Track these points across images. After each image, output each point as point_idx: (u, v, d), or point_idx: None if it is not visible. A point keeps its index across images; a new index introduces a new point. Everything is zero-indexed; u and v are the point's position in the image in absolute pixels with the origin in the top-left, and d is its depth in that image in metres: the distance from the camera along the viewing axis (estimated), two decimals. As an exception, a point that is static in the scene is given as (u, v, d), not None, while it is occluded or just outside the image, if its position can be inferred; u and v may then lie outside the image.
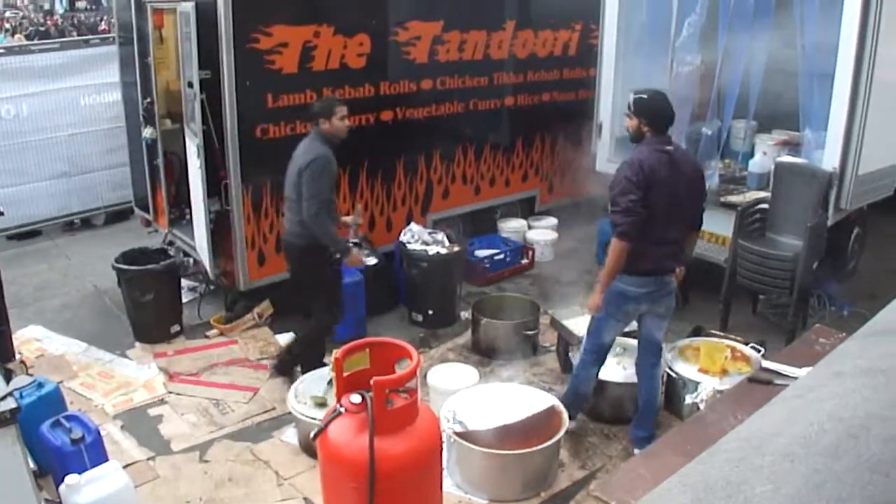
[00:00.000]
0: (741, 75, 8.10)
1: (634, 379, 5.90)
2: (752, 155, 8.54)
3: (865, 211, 8.18)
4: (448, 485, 5.11)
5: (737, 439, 2.13)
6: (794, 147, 8.30)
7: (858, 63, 6.88)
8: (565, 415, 5.55)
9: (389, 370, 4.12)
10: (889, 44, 7.03)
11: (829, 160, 7.21)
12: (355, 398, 3.88)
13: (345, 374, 4.02)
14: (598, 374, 5.80)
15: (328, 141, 6.32)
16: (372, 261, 7.64)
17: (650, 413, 5.76)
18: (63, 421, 5.06)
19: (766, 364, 4.83)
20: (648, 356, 5.71)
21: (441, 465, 4.43)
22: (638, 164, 5.12)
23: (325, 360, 6.43)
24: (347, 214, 7.21)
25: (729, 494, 1.78)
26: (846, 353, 2.67)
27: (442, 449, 4.42)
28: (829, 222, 7.32)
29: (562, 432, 5.37)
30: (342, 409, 3.93)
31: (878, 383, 2.23)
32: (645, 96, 5.32)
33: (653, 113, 5.25)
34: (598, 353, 5.70)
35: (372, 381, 3.82)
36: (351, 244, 6.65)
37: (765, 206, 7.70)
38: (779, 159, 7.91)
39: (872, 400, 2.13)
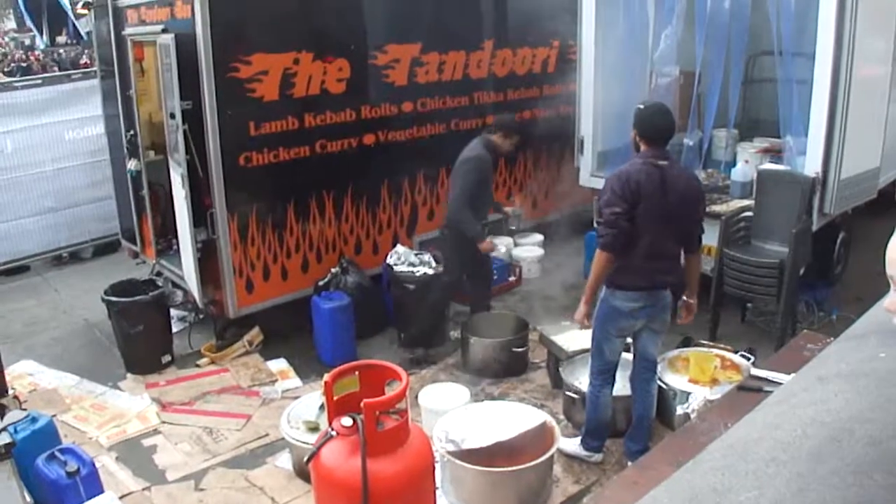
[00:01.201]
0: (720, 85, 8.16)
1: (626, 392, 5.91)
2: (734, 164, 8.57)
3: (850, 215, 8.22)
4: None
5: (721, 447, 2.16)
6: (775, 154, 8.34)
7: (836, 67, 6.92)
8: (557, 430, 5.54)
9: (379, 392, 4.14)
10: (866, 47, 7.09)
11: (812, 165, 7.25)
12: (346, 421, 3.90)
13: (335, 398, 4.04)
14: (611, 394, 5.72)
15: (490, 149, 7.31)
16: (501, 249, 7.72)
17: (644, 427, 5.76)
18: (58, 454, 5.06)
19: (755, 372, 4.86)
20: (643, 371, 5.69)
21: (435, 484, 4.44)
22: (625, 176, 5.13)
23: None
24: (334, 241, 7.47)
25: (715, 502, 1.81)
26: (828, 357, 2.70)
27: (435, 468, 4.43)
28: (814, 227, 7.34)
29: (554, 448, 5.36)
30: (333, 433, 3.95)
31: (859, 386, 2.26)
32: (642, 107, 5.39)
33: (645, 125, 5.27)
34: (606, 374, 5.64)
35: (362, 404, 3.84)
36: (485, 231, 7.51)
37: (749, 214, 7.73)
38: (761, 167, 7.94)
39: (855, 403, 2.16)
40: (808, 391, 2.35)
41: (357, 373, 4.22)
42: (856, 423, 2.05)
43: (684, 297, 5.59)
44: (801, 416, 2.15)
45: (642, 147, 5.26)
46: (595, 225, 8.51)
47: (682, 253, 5.45)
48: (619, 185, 5.12)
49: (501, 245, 7.41)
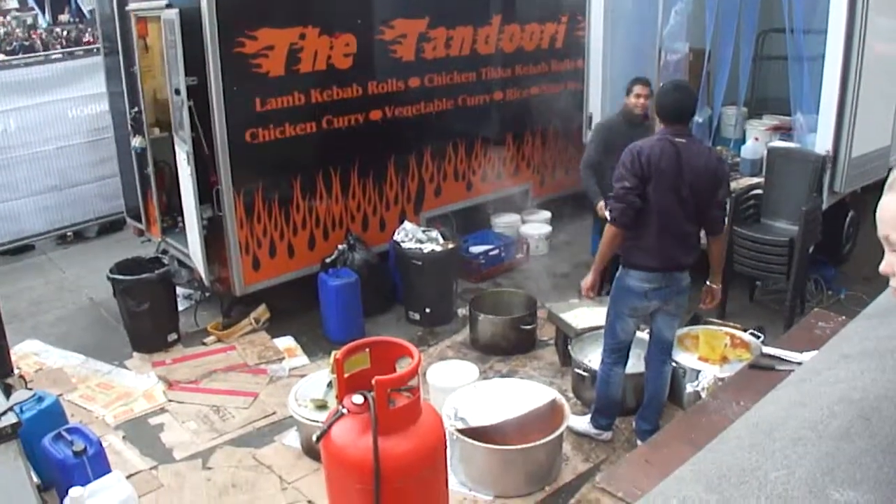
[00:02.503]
0: (730, 62, 8.10)
1: (637, 370, 5.89)
2: (743, 141, 8.55)
3: (860, 194, 8.17)
4: (452, 482, 5.08)
5: (746, 425, 2.11)
6: (785, 132, 8.31)
7: (848, 44, 6.84)
8: (567, 408, 5.52)
9: (390, 369, 4.09)
10: (879, 24, 7.02)
11: (822, 143, 7.19)
12: (357, 399, 3.85)
13: (346, 376, 4.00)
14: (623, 373, 5.68)
15: (626, 114, 7.17)
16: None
17: (656, 407, 5.71)
18: (64, 434, 5.04)
19: (767, 350, 4.81)
20: (658, 353, 5.63)
21: (446, 462, 4.40)
22: (637, 152, 5.06)
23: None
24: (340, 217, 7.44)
25: (742, 481, 1.76)
26: (851, 335, 2.65)
27: (446, 446, 4.39)
28: (824, 206, 7.30)
29: (564, 426, 5.35)
30: (344, 411, 3.90)
31: (885, 365, 2.21)
32: (663, 85, 5.36)
33: (661, 103, 5.22)
34: (619, 353, 5.59)
35: (374, 381, 3.79)
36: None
37: (758, 191, 7.69)
38: (771, 144, 7.90)
39: (881, 381, 2.11)
40: (833, 369, 2.30)
41: (368, 349, 4.17)
42: (884, 401, 2.00)
43: (707, 282, 5.50)
44: (828, 395, 2.11)
45: (661, 125, 5.20)
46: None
47: (704, 235, 5.37)
48: (630, 160, 5.06)
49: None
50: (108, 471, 4.97)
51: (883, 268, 1.75)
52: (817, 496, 1.67)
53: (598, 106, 8.84)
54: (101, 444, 5.11)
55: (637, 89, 6.95)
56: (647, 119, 6.92)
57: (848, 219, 8.43)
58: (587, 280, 5.48)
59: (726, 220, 5.49)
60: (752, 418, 2.18)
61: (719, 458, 1.93)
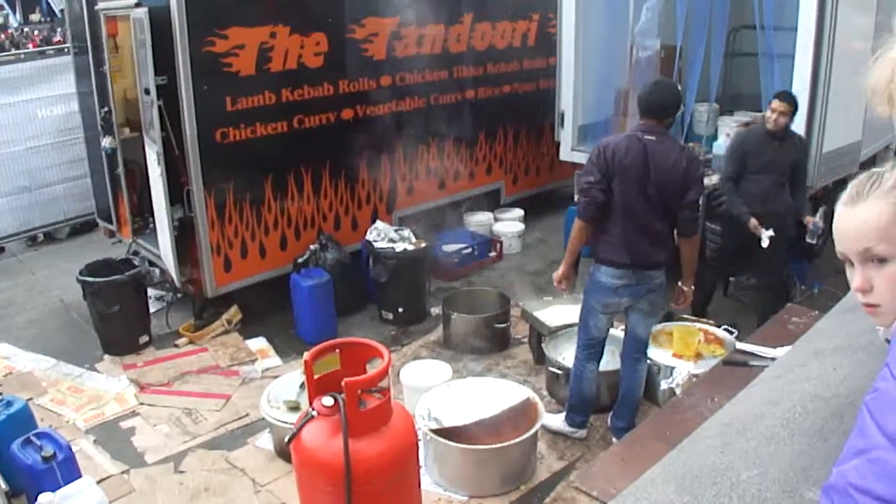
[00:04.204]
0: (702, 58, 8.12)
1: (611, 367, 5.89)
2: (715, 137, 8.56)
3: (831, 188, 8.19)
4: (426, 483, 5.07)
5: (718, 424, 2.10)
6: (757, 128, 8.32)
7: (818, 40, 6.90)
8: (541, 406, 5.51)
9: (361, 370, 4.07)
10: (848, 21, 7.06)
11: (794, 139, 7.22)
12: (327, 401, 3.82)
13: (315, 377, 3.97)
14: (597, 370, 5.67)
15: (761, 123, 6.97)
16: (768, 234, 7.24)
17: (630, 404, 5.70)
18: (34, 439, 4.97)
19: (741, 346, 4.83)
20: (633, 351, 5.63)
21: (418, 463, 4.38)
22: (603, 146, 5.08)
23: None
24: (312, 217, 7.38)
25: (715, 481, 1.75)
26: (823, 331, 2.65)
27: (418, 447, 4.37)
28: (798, 201, 7.33)
29: (538, 424, 5.34)
30: (314, 413, 3.87)
31: (858, 360, 2.21)
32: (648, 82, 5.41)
33: (639, 97, 5.23)
34: (592, 350, 5.59)
35: (343, 383, 3.77)
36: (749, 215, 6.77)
37: (731, 187, 7.70)
38: (743, 141, 7.91)
39: (854, 377, 2.10)
40: (805, 366, 2.30)
41: (337, 351, 4.14)
42: (857, 397, 1.99)
43: (678, 284, 5.49)
44: (801, 392, 2.10)
45: (640, 120, 5.20)
46: (575, 197, 8.50)
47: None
48: (595, 155, 5.11)
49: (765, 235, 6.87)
50: (79, 476, 4.92)
51: (858, 285, 1.72)
52: (791, 496, 1.66)
53: (570, 103, 8.84)
54: (71, 449, 5.04)
55: (773, 104, 6.66)
56: (794, 136, 6.81)
57: (821, 213, 8.46)
58: (558, 272, 5.49)
59: (695, 222, 5.41)
60: (724, 417, 2.17)
61: (691, 459, 1.92)
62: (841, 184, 7.62)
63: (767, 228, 6.56)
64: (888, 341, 1.69)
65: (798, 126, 7.14)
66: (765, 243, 6.51)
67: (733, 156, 6.89)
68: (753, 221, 6.68)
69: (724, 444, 1.94)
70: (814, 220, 7.04)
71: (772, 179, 6.75)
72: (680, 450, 2.02)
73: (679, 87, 5.72)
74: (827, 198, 8.37)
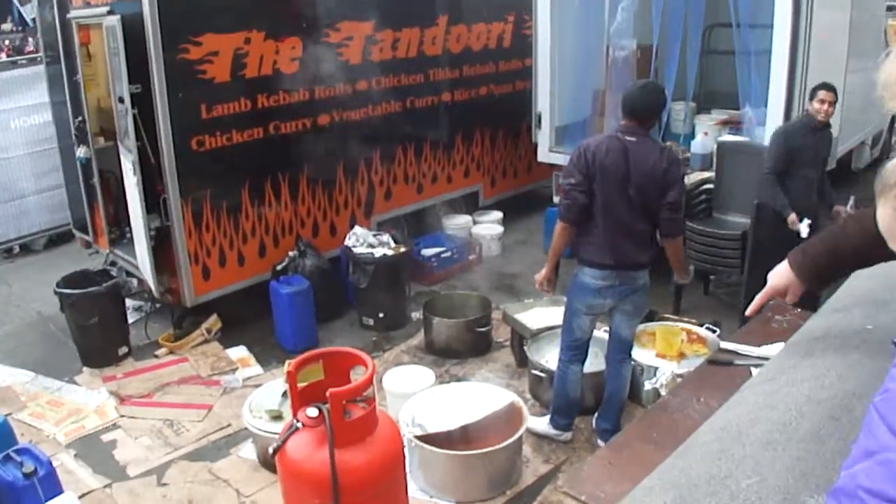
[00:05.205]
0: (678, 57, 8.14)
1: (595, 368, 5.89)
2: (693, 136, 8.59)
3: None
4: (412, 489, 5.03)
5: (712, 430, 2.07)
6: (734, 126, 8.39)
7: (794, 38, 6.92)
8: (525, 410, 5.50)
9: (345, 380, 4.03)
10: (824, 17, 7.10)
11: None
12: (312, 412, 3.78)
13: (299, 388, 3.93)
14: (581, 372, 5.66)
15: (806, 120, 6.74)
16: (806, 224, 7.12)
17: (615, 406, 5.68)
18: (14, 455, 4.90)
19: (725, 345, 4.81)
20: (617, 352, 5.62)
21: (405, 471, 4.35)
22: (584, 148, 5.07)
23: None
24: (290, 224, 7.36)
25: (713, 490, 1.72)
26: (813, 331, 2.62)
27: (405, 455, 4.34)
28: (775, 198, 7.35)
29: (523, 428, 5.32)
30: (299, 425, 3.83)
31: (851, 361, 2.18)
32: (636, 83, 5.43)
33: (623, 99, 5.19)
34: (576, 351, 5.58)
35: (328, 393, 3.73)
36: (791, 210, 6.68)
37: (710, 186, 7.73)
38: (720, 138, 7.97)
39: (848, 379, 2.08)
40: (798, 367, 2.27)
41: (321, 361, 4.10)
42: (853, 399, 1.97)
43: (674, 280, 5.66)
44: (795, 395, 2.07)
45: (622, 121, 5.19)
46: (554, 199, 8.51)
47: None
48: (576, 156, 5.11)
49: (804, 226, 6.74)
50: (60, 492, 4.84)
51: None
52: (792, 503, 1.63)
53: (547, 104, 8.86)
54: (51, 465, 4.96)
55: (821, 94, 6.60)
56: (828, 126, 6.79)
57: (851, 202, 8.49)
58: (540, 274, 5.51)
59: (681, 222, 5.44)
60: (718, 422, 2.14)
61: (687, 466, 1.89)
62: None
63: (802, 220, 6.54)
64: (895, 344, 1.68)
65: (775, 122, 7.17)
66: (804, 233, 6.47)
67: (778, 152, 6.75)
68: (793, 216, 6.64)
69: (721, 451, 1.91)
70: (844, 209, 7.02)
71: (817, 172, 6.84)
72: (676, 456, 1.99)
73: (665, 91, 5.70)
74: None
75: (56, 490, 4.84)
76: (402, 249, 7.97)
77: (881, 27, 10.08)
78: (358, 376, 4.04)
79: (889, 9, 11.36)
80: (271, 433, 5.19)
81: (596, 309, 5.42)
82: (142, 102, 6.87)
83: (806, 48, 6.97)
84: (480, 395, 5.70)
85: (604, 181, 5.01)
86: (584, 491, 3.74)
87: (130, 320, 7.84)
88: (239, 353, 7.41)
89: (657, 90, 5.30)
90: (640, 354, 6.12)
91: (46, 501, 4.62)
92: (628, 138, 5.04)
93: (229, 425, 6.26)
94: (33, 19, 10.45)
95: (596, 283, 5.23)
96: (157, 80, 6.78)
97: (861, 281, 2.84)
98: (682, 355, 6.10)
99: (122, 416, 6.50)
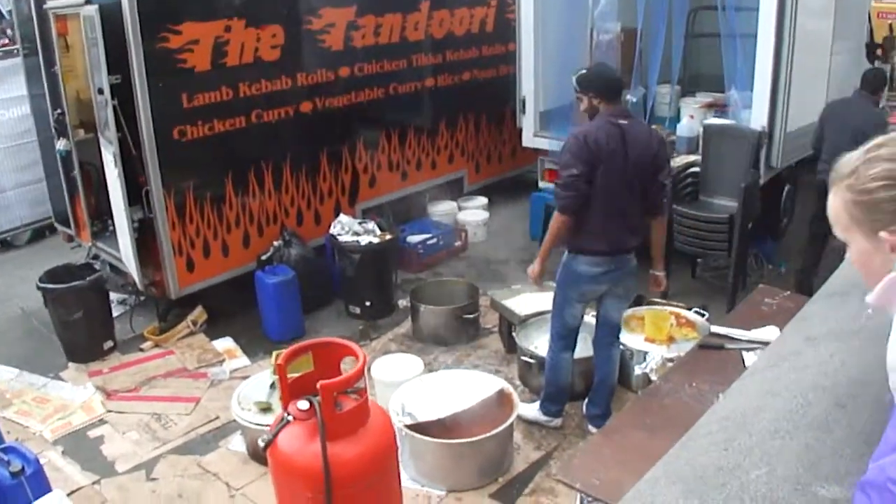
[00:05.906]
0: (662, 40, 8.10)
1: (584, 354, 5.85)
2: (678, 119, 8.58)
3: (795, 168, 8.23)
4: (403, 478, 4.97)
5: (717, 419, 2.03)
6: (719, 109, 8.37)
7: (780, 21, 6.93)
8: (515, 396, 5.49)
9: (335, 371, 3.98)
10: (809, 0, 7.09)
11: (757, 119, 7.28)
12: (303, 404, 3.73)
13: (289, 380, 3.88)
14: (571, 359, 5.65)
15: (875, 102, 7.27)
16: None
17: (605, 391, 5.67)
18: (0, 454, 4.85)
19: (716, 329, 4.81)
20: (605, 336, 5.61)
21: (397, 461, 4.31)
22: (583, 137, 4.99)
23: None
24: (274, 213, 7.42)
25: (723, 482, 1.67)
26: (812, 316, 2.58)
27: (397, 446, 4.30)
28: (762, 181, 7.34)
29: (514, 415, 5.31)
30: (290, 418, 3.78)
31: (853, 346, 2.15)
32: (585, 71, 5.28)
33: (598, 83, 5.13)
34: (567, 339, 5.55)
35: (319, 385, 3.68)
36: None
37: (696, 169, 7.73)
38: (706, 121, 7.96)
39: (852, 365, 2.04)
40: (799, 354, 2.24)
41: (310, 352, 4.05)
42: (858, 386, 1.94)
43: (651, 270, 5.51)
44: (799, 382, 2.04)
45: (602, 107, 5.09)
46: (540, 184, 8.48)
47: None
48: (577, 146, 5.00)
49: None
50: (49, 489, 4.78)
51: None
52: (802, 494, 1.59)
53: (531, 89, 8.83)
54: (39, 462, 4.90)
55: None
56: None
57: (785, 193, 8.51)
58: (534, 269, 5.44)
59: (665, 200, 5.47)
60: (721, 411, 2.10)
61: (693, 457, 1.85)
62: (803, 164, 7.75)
63: None
64: None
65: (761, 106, 7.17)
66: None
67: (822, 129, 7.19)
68: None
69: (727, 441, 1.87)
70: None
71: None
72: (681, 447, 1.95)
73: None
74: (790, 178, 8.42)
75: (44, 488, 4.78)
76: (388, 237, 7.92)
77: (865, 9, 10.06)
78: (348, 367, 4.00)
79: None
80: (260, 425, 5.18)
81: (589, 296, 5.41)
82: (122, 93, 6.77)
83: (792, 31, 6.97)
84: (470, 382, 5.68)
85: (608, 168, 4.97)
86: (578, 478, 3.72)
87: (115, 314, 7.76)
88: (225, 344, 7.35)
89: (606, 64, 5.36)
90: (630, 339, 6.11)
91: (35, 500, 4.57)
92: (621, 121, 5.03)
93: (217, 418, 6.21)
94: (9, 11, 10.31)
95: (592, 271, 5.20)
96: (137, 70, 6.69)
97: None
98: (671, 339, 6.09)
99: (109, 411, 6.44)
